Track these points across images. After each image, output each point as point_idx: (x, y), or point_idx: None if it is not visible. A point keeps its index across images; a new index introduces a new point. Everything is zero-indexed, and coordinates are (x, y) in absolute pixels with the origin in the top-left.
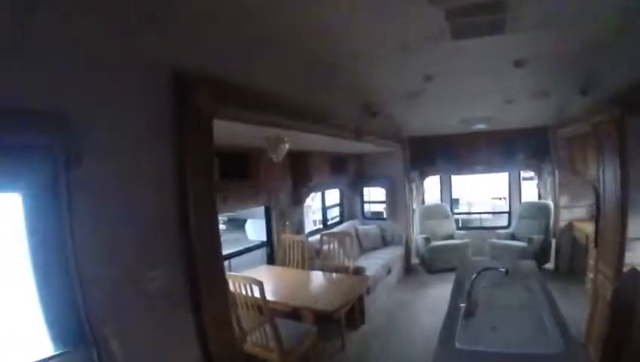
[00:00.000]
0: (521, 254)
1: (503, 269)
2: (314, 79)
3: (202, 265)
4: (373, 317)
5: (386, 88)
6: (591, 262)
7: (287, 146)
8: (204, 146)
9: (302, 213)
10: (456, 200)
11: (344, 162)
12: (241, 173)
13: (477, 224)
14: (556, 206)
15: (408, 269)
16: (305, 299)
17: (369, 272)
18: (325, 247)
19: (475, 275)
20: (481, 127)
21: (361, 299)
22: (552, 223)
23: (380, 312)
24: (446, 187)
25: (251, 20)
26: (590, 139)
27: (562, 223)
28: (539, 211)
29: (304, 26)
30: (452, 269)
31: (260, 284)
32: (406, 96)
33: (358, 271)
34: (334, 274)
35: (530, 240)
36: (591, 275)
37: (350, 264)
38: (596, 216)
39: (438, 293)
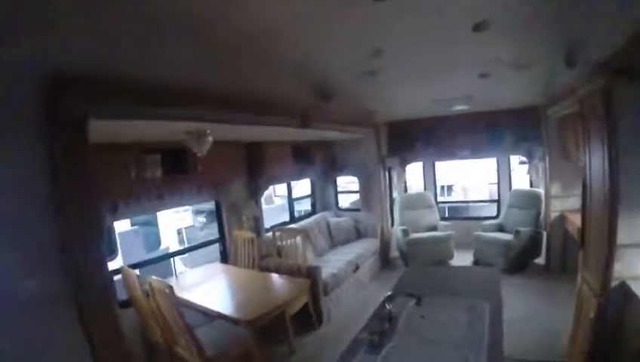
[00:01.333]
0: (506, 249)
1: (415, 298)
2: (243, 66)
3: (83, 272)
4: (336, 318)
5: (335, 67)
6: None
7: (210, 140)
8: (77, 148)
9: (259, 207)
10: (450, 187)
11: (309, 151)
12: (180, 168)
13: (469, 213)
14: (547, 194)
15: (385, 264)
16: (225, 306)
17: (331, 269)
18: (283, 244)
19: (384, 299)
20: (461, 108)
21: (316, 298)
22: (542, 214)
23: (344, 312)
24: (429, 174)
25: (141, 8)
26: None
27: (554, 214)
28: (529, 200)
29: (211, 10)
30: (433, 264)
31: (170, 288)
32: (362, 75)
33: (311, 272)
34: (277, 277)
35: (517, 233)
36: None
37: (302, 263)
38: (582, 211)
39: None
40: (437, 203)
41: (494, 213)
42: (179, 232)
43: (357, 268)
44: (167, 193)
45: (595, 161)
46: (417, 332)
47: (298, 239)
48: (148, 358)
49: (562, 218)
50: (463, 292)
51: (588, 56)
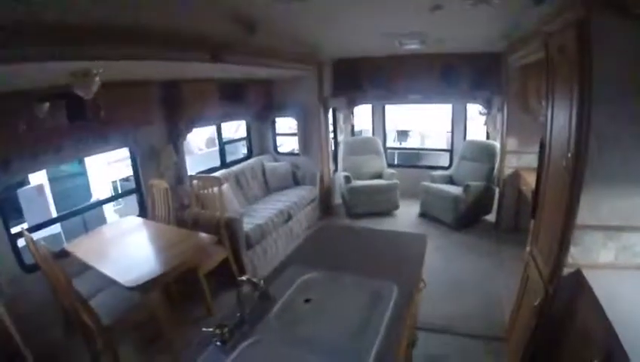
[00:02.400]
0: (454, 203)
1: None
2: None
3: None
4: (262, 273)
5: None
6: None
7: (98, 81)
8: None
9: (180, 153)
10: (406, 132)
11: (241, 90)
12: (78, 115)
13: (427, 161)
14: (503, 149)
15: (326, 212)
16: (116, 269)
17: (258, 220)
18: (205, 193)
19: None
20: (414, 47)
21: (237, 253)
22: (496, 169)
23: (270, 266)
24: (379, 118)
25: None
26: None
27: (508, 170)
28: (483, 153)
29: None
30: (377, 214)
31: (55, 255)
32: (285, 1)
33: (230, 225)
34: (186, 233)
35: (466, 188)
36: (528, 248)
37: (221, 215)
38: (537, 176)
39: None
40: (385, 149)
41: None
42: (113, 184)
43: (289, 217)
44: (66, 143)
45: (560, 117)
46: (292, 326)
47: (216, 189)
48: (64, 324)
49: (517, 175)
50: (374, 267)
51: None
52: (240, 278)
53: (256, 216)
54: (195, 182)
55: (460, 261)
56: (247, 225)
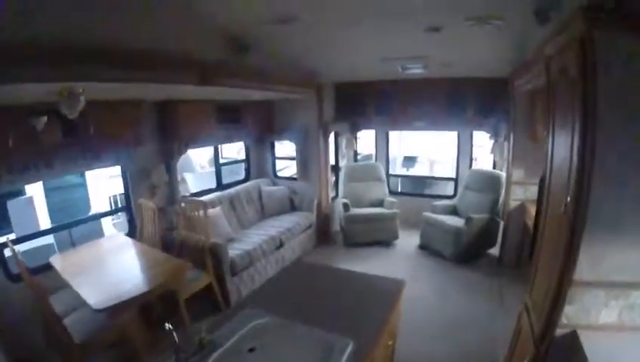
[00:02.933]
0: (455, 236)
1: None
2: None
3: None
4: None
5: (246, 12)
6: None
7: (83, 100)
8: None
9: (172, 173)
10: (413, 158)
11: (239, 111)
12: (67, 132)
13: (433, 189)
14: (509, 179)
15: (323, 240)
16: (89, 290)
17: (247, 246)
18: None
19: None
20: (417, 71)
21: (221, 279)
22: (502, 200)
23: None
24: (382, 143)
25: None
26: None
27: (514, 202)
28: (488, 183)
29: None
30: (375, 243)
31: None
32: (277, 22)
33: (214, 250)
34: (165, 257)
35: (469, 221)
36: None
37: (205, 240)
38: (536, 213)
39: None
40: (388, 176)
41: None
42: (113, 198)
43: (280, 244)
44: (57, 159)
45: (560, 148)
46: None
47: (201, 212)
48: (46, 336)
49: (522, 208)
50: (335, 317)
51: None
52: (168, 326)
53: (247, 241)
54: (182, 204)
55: (457, 299)
56: (235, 250)
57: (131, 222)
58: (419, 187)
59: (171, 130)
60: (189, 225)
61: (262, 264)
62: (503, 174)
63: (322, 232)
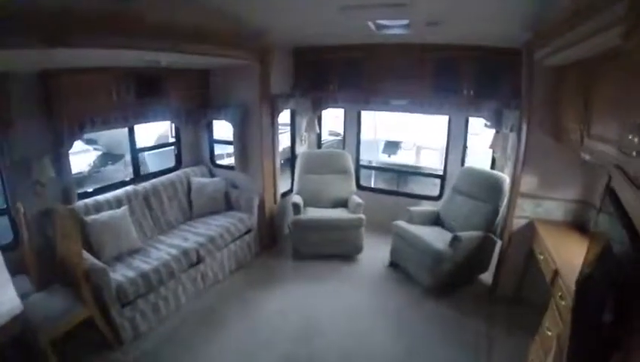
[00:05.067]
0: (434, 261)
1: None
2: None
3: None
4: (153, 334)
5: None
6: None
7: None
8: None
9: (64, 166)
10: (396, 144)
11: (156, 83)
12: None
13: (413, 183)
14: (515, 187)
15: (269, 247)
16: None
17: (145, 265)
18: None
19: None
20: (397, 32)
21: (107, 311)
22: (502, 213)
23: (163, 327)
24: (351, 126)
25: None
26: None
27: (519, 220)
28: (485, 188)
29: None
30: (333, 256)
31: None
32: None
33: (90, 276)
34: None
35: (455, 241)
36: None
37: (78, 263)
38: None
39: (282, 298)
40: (359, 166)
41: (434, 194)
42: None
43: (198, 260)
44: None
45: None
46: None
47: (66, 220)
48: None
49: (530, 229)
50: None
51: None
52: None
53: (153, 255)
54: (60, 211)
55: (427, 351)
56: (129, 271)
57: (14, 228)
58: (397, 181)
59: (54, 109)
60: (65, 240)
61: (170, 287)
62: (507, 179)
63: (268, 238)
